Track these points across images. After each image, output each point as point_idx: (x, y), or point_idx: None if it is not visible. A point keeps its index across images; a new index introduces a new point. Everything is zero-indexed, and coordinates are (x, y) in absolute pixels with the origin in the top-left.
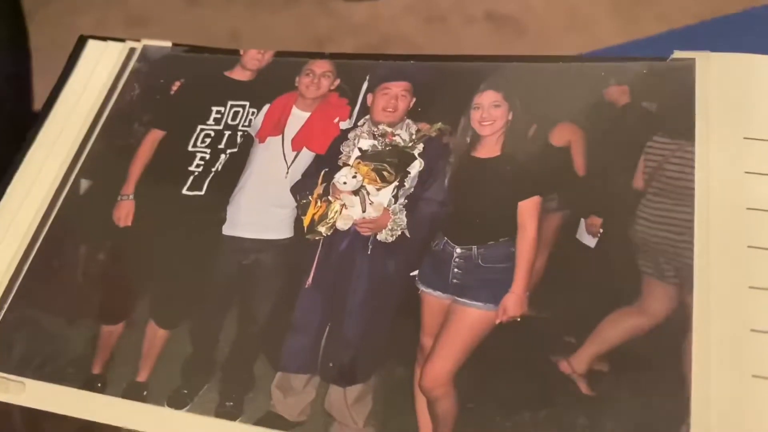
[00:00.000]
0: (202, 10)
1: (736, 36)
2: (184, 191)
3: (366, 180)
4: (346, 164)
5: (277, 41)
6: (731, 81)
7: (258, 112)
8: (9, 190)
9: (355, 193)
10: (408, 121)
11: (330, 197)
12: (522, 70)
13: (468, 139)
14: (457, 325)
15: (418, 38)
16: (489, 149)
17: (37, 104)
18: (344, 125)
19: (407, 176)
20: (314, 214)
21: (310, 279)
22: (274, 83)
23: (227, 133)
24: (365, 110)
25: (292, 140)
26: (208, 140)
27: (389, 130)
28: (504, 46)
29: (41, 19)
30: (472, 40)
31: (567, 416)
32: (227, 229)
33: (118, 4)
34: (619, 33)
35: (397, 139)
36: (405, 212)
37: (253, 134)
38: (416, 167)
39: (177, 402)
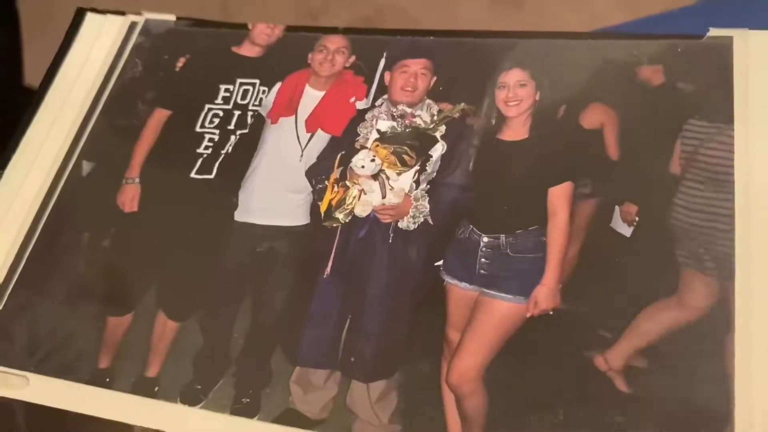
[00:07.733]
0: None
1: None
2: (193, 174)
3: (385, 164)
4: (363, 147)
5: (269, 13)
6: None
7: (269, 90)
8: (6, 172)
9: (374, 177)
10: (429, 101)
11: (347, 182)
12: (549, 47)
13: (493, 121)
14: (485, 319)
15: (414, 10)
16: (516, 131)
17: (27, 77)
18: (361, 105)
19: (429, 160)
20: (331, 200)
21: (328, 269)
22: (286, 60)
23: (237, 112)
24: (383, 89)
25: (306, 121)
26: (216, 120)
27: (409, 110)
28: (501, 19)
29: None
30: (468, 12)
31: (603, 415)
32: (240, 215)
33: None
34: (618, 11)
35: (418, 120)
36: (427, 198)
37: (265, 114)
38: (438, 150)
39: (190, 398)
